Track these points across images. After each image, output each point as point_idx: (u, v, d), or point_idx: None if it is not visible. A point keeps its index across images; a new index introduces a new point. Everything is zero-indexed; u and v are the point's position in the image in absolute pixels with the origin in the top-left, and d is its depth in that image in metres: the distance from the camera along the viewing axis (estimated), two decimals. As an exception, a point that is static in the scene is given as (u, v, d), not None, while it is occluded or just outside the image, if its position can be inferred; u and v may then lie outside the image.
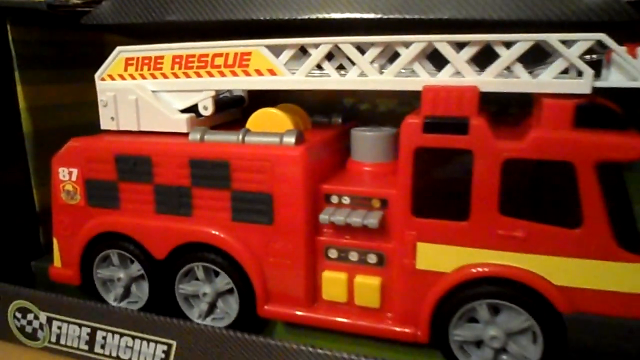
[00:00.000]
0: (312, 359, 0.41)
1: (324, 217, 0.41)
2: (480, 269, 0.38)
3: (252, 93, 0.56)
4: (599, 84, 0.38)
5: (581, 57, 0.38)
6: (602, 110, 0.36)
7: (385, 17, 0.42)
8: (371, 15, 0.42)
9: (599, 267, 0.35)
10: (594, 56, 0.40)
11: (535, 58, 0.41)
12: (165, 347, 0.45)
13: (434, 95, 0.38)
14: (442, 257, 0.39)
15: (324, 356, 0.41)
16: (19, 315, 0.50)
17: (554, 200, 0.36)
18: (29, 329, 0.50)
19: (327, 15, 0.43)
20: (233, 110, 0.54)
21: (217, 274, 0.46)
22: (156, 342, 0.45)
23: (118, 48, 0.49)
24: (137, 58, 0.48)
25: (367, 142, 0.46)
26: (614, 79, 0.38)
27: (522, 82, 0.39)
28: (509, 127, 0.40)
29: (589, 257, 0.35)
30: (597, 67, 0.39)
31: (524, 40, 0.38)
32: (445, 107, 0.38)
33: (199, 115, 0.48)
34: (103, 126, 0.50)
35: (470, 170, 0.37)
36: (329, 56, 0.44)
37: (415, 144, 0.38)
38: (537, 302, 0.37)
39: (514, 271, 0.37)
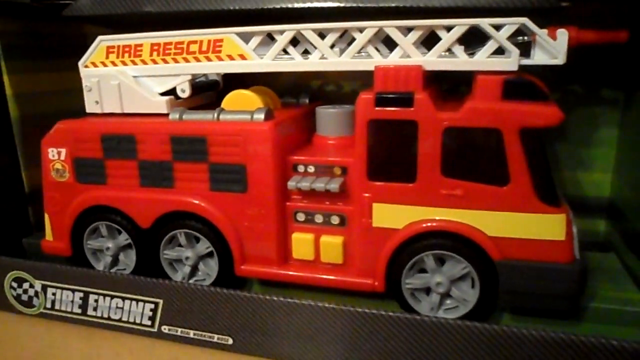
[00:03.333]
0: (285, 308, 0.47)
1: (291, 184, 0.47)
2: (426, 225, 0.44)
3: (226, 77, 0.60)
4: (527, 62, 0.44)
5: (513, 39, 0.44)
6: (526, 84, 0.42)
7: (342, 5, 0.47)
8: (330, 4, 0.47)
9: (524, 219, 0.42)
10: (525, 38, 0.46)
11: (482, 41, 0.47)
12: (152, 306, 0.50)
13: (384, 74, 0.44)
14: (394, 216, 0.44)
15: (295, 305, 0.46)
16: (14, 285, 0.55)
17: (485, 162, 0.42)
18: (24, 297, 0.54)
19: (290, 5, 0.48)
20: (209, 93, 0.59)
21: (197, 240, 0.51)
22: (144, 301, 0.50)
23: (99, 37, 0.53)
24: (118, 46, 0.53)
25: (329, 118, 0.51)
26: (538, 57, 0.44)
27: (461, 61, 0.44)
28: (453, 101, 0.46)
29: (515, 211, 0.42)
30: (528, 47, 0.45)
31: (460, 25, 0.44)
32: (394, 84, 0.44)
33: (177, 97, 0.53)
34: (88, 110, 0.54)
35: (416, 138, 0.43)
36: (295, 42, 0.49)
37: (369, 117, 0.43)
38: (474, 251, 0.43)
39: (454, 225, 0.43)
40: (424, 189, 0.43)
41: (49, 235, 0.56)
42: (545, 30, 0.43)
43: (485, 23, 0.43)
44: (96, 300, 0.52)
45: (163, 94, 0.53)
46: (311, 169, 0.48)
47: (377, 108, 0.43)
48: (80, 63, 0.54)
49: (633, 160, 0.51)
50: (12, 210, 0.62)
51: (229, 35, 0.49)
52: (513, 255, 0.42)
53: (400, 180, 0.44)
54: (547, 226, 0.41)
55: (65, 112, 0.56)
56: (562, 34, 0.43)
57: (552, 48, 0.43)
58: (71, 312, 0.53)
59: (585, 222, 0.59)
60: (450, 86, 0.56)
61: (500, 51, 0.44)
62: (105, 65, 0.53)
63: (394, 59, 0.46)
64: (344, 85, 0.63)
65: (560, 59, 0.43)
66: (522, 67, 0.43)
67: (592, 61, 0.55)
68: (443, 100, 0.46)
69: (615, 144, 0.56)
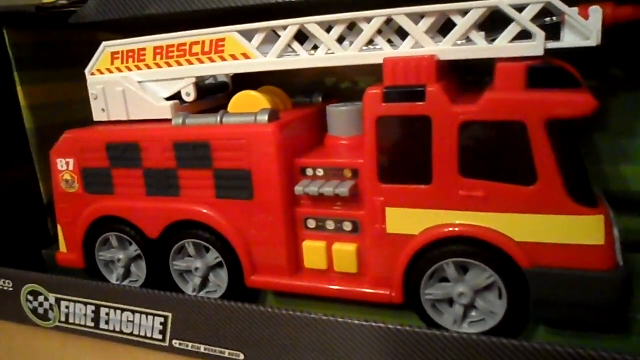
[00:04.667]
0: (297, 322, 0.44)
1: (299, 189, 0.44)
2: (445, 230, 0.40)
3: (237, 78, 0.58)
4: (554, 45, 0.39)
5: (539, 20, 0.39)
6: (553, 70, 0.37)
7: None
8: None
9: (555, 222, 0.37)
10: (553, 18, 0.41)
11: (504, 25, 0.43)
12: (162, 319, 0.48)
13: (393, 66, 0.40)
14: (409, 221, 0.41)
15: (308, 319, 0.44)
16: (30, 298, 0.54)
17: (509, 159, 0.37)
18: (40, 310, 0.54)
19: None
20: (219, 95, 0.57)
21: (207, 250, 0.49)
22: (154, 315, 0.48)
23: (104, 43, 0.52)
24: (122, 52, 0.51)
25: (340, 117, 0.48)
26: (568, 39, 0.39)
27: (479, 48, 0.40)
28: (472, 93, 0.42)
29: (545, 213, 0.37)
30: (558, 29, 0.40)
31: (477, 8, 0.39)
32: (405, 76, 0.40)
33: (183, 102, 0.51)
34: (95, 118, 0.53)
35: (430, 135, 0.39)
36: (303, 38, 0.46)
37: (377, 114, 0.40)
38: (500, 258, 0.39)
39: (476, 230, 0.39)
40: (441, 190, 0.39)
41: (62, 247, 0.55)
42: (575, 9, 0.39)
43: (505, 4, 0.39)
44: (107, 314, 0.50)
45: (170, 98, 0.51)
46: (320, 172, 0.45)
47: (386, 104, 0.40)
48: (86, 71, 0.53)
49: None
50: (32, 222, 0.62)
51: (231, 34, 0.47)
52: (544, 262, 0.38)
53: (415, 182, 0.40)
54: (582, 229, 0.37)
55: (81, 121, 0.55)
56: (596, 12, 0.38)
57: (583, 28, 0.38)
58: (85, 326, 0.52)
59: (633, 220, 0.53)
60: (476, 77, 0.51)
61: (524, 35, 0.40)
62: (111, 71, 0.52)
63: (406, 49, 0.42)
64: (360, 81, 0.60)
65: (593, 40, 0.38)
66: (551, 52, 0.39)
67: (634, 41, 0.49)
68: (465, 93, 0.42)
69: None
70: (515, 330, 0.41)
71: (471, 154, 0.38)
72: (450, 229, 0.39)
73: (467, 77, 0.49)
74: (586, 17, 0.38)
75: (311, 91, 0.57)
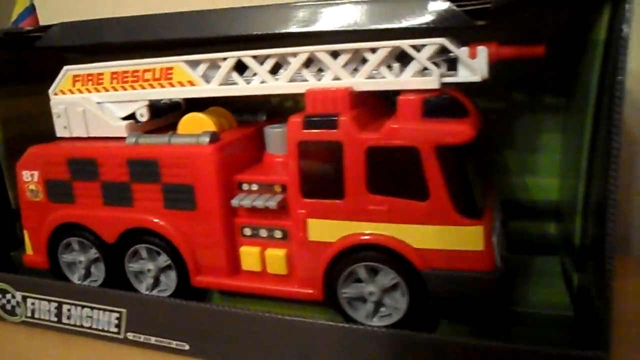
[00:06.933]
0: (235, 317, 0.51)
1: (234, 202, 0.50)
2: (356, 238, 0.46)
3: (189, 99, 0.64)
4: (450, 79, 0.46)
5: (444, 55, 0.46)
6: (444, 102, 0.44)
7: (273, 32, 0.50)
8: (264, 32, 0.50)
9: (444, 231, 0.44)
10: (451, 54, 0.48)
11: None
12: (118, 315, 0.54)
13: (313, 97, 0.47)
14: (327, 230, 0.47)
15: (245, 314, 0.50)
16: None
17: (406, 179, 0.44)
18: (8, 306, 0.60)
19: (232, 33, 0.51)
20: (172, 114, 0.62)
21: (158, 253, 0.55)
22: (110, 311, 0.55)
23: (65, 67, 0.57)
24: (83, 75, 0.57)
25: (275, 137, 0.54)
26: (461, 74, 0.46)
27: (387, 81, 0.47)
28: (384, 119, 0.48)
29: (436, 224, 0.44)
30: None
31: (384, 47, 0.46)
32: (323, 106, 0.46)
33: (138, 121, 0.57)
34: (58, 134, 0.58)
35: (342, 158, 0.45)
36: (242, 67, 0.52)
37: (298, 139, 0.46)
38: (401, 262, 0.46)
39: (381, 238, 0.46)
40: (352, 205, 0.46)
41: (29, 249, 0.61)
42: (465, 49, 0.45)
43: (406, 44, 0.45)
44: (69, 310, 0.56)
45: (126, 118, 0.57)
46: (255, 187, 0.51)
47: (305, 130, 0.46)
48: (50, 91, 0.59)
49: (570, 164, 0.53)
50: (0, 226, 0.67)
51: (178, 63, 0.53)
52: (437, 265, 0.45)
53: (331, 198, 0.47)
54: (465, 237, 0.44)
55: (46, 133, 0.60)
56: (482, 51, 0.45)
57: (472, 65, 0.45)
58: (48, 321, 0.58)
59: (537, 226, 0.60)
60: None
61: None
62: (72, 92, 0.58)
63: (327, 81, 0.48)
64: (300, 101, 0.66)
65: (479, 76, 0.45)
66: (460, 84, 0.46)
67: (535, 70, 0.56)
68: (379, 119, 0.48)
69: (559, 148, 0.58)
70: (417, 322, 0.48)
71: (376, 173, 0.45)
72: (361, 238, 0.46)
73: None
74: (475, 55, 0.46)
75: (257, 110, 0.63)
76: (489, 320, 0.47)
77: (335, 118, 0.45)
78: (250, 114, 0.62)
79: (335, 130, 0.45)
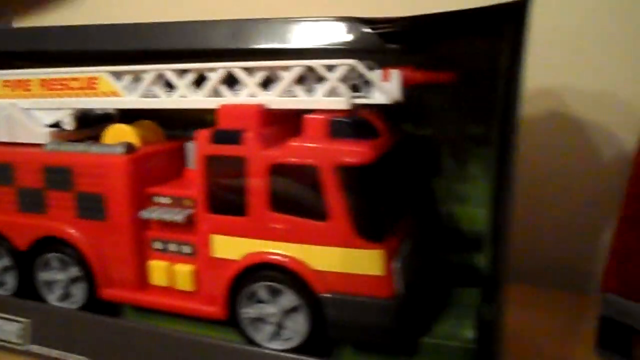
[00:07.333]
0: (140, 333, 0.49)
1: (144, 214, 0.49)
2: (258, 257, 0.45)
3: (125, 111, 0.64)
4: (364, 100, 0.46)
5: (359, 79, 0.46)
6: (353, 123, 0.44)
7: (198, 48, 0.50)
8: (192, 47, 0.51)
9: (344, 254, 0.43)
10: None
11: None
12: (22, 325, 0.53)
13: (225, 112, 0.47)
14: (230, 247, 0.46)
15: (151, 331, 0.49)
16: None
17: (307, 198, 0.44)
18: None
19: (156, 47, 0.51)
20: (103, 125, 0.62)
21: (70, 263, 0.54)
22: (15, 320, 0.53)
23: (-4, 72, 0.57)
24: (12, 80, 0.57)
25: (193, 152, 0.54)
26: (376, 97, 0.46)
27: (299, 100, 0.47)
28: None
29: (336, 245, 0.43)
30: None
31: (296, 66, 0.46)
32: (233, 122, 0.46)
33: (63, 130, 0.56)
34: (-15, 138, 0.58)
35: (246, 174, 0.45)
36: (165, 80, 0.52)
37: (206, 152, 0.46)
38: (301, 284, 0.44)
39: (282, 258, 0.45)
40: (255, 222, 0.45)
41: (-53, 255, 0.60)
42: (379, 72, 0.45)
43: (318, 64, 0.45)
44: (-24, 318, 0.55)
45: (53, 125, 0.57)
46: (167, 200, 0.50)
47: (213, 145, 0.46)
48: (-20, 95, 0.59)
49: (488, 194, 0.52)
50: None
51: (102, 74, 0.53)
52: (336, 288, 0.44)
53: (235, 214, 0.46)
54: (364, 261, 0.43)
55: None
56: (395, 74, 0.45)
57: (384, 88, 0.45)
58: (-42, 328, 0.56)
59: (463, 256, 0.59)
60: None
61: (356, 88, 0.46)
62: (0, 97, 0.58)
63: (243, 97, 0.48)
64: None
65: (390, 99, 0.45)
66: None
67: (463, 99, 0.56)
68: (278, 136, 0.47)
69: (485, 179, 0.57)
70: (318, 347, 0.46)
71: (278, 191, 0.44)
72: (262, 257, 0.45)
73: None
74: (388, 78, 0.45)
75: (190, 125, 0.63)
76: (392, 349, 0.46)
77: (240, 134, 0.45)
78: (183, 128, 0.62)
79: (239, 146, 0.45)
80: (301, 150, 0.43)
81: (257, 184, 0.45)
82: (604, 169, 0.69)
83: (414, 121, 0.56)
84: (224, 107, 0.47)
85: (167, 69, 0.50)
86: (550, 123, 0.70)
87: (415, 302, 0.46)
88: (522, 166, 0.40)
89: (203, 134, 0.46)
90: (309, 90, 0.47)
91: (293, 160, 0.43)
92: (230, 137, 0.45)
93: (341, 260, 0.43)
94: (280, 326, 0.47)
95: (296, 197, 0.44)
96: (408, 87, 0.46)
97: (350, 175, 0.42)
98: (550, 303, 0.65)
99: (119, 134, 0.55)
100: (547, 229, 0.73)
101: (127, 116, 0.61)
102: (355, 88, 0.46)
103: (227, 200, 0.46)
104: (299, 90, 0.47)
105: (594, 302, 0.55)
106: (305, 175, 0.43)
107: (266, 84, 0.48)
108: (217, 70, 0.49)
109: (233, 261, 0.46)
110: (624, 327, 0.51)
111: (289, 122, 0.48)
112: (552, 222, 0.73)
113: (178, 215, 0.48)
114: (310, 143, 0.43)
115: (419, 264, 0.49)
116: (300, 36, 0.47)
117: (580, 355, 0.53)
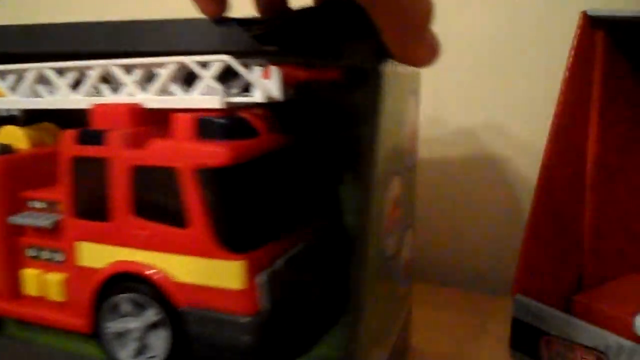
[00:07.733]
0: (13, 349, 0.46)
1: (12, 219, 0.46)
2: (118, 266, 0.42)
3: (33, 112, 0.61)
4: (244, 99, 0.43)
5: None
6: (226, 122, 0.41)
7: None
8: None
9: (204, 264, 0.40)
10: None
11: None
12: None
13: (97, 112, 0.44)
14: (94, 255, 0.43)
15: (23, 346, 0.46)
16: None
17: (167, 202, 0.40)
18: None
19: (44, 50, 0.49)
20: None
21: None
22: None
23: None
24: None
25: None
26: (256, 95, 0.43)
27: (175, 99, 0.44)
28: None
29: (196, 255, 0.40)
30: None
31: (170, 62, 0.43)
32: (105, 122, 0.44)
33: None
34: None
35: (108, 176, 0.42)
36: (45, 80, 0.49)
37: (70, 153, 0.43)
38: (162, 297, 0.41)
39: (142, 268, 0.41)
40: (118, 228, 0.42)
41: None
42: (259, 69, 0.43)
43: (191, 61, 0.43)
44: None
45: (-51, 126, 0.54)
46: (43, 205, 0.47)
47: (77, 145, 0.43)
48: None
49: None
50: None
51: (-13, 72, 0.51)
52: (197, 302, 0.40)
53: (98, 219, 0.43)
54: (225, 273, 0.39)
55: None
56: (275, 72, 0.43)
57: (265, 86, 0.42)
58: None
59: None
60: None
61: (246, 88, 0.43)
62: None
63: (122, 97, 0.46)
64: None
65: (263, 97, 0.42)
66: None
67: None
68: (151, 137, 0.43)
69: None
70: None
71: (141, 195, 0.41)
72: (123, 266, 0.42)
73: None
74: (268, 76, 0.43)
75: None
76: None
77: (102, 133, 0.42)
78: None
79: (102, 147, 0.42)
80: (162, 151, 0.40)
81: (120, 187, 0.42)
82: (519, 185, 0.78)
83: (315, 124, 0.53)
84: (96, 106, 0.44)
85: (47, 67, 0.48)
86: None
87: (288, 319, 0.42)
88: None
89: (69, 134, 0.43)
90: (188, 90, 0.44)
91: (153, 161, 0.40)
92: (94, 137, 0.42)
93: (200, 271, 0.40)
94: (144, 343, 0.43)
95: (158, 202, 0.41)
96: (293, 86, 0.43)
97: (210, 178, 0.39)
98: (466, 304, 0.70)
99: (11, 135, 0.52)
100: (467, 235, 0.82)
101: (37, 118, 0.59)
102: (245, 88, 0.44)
103: (91, 204, 0.43)
104: (177, 89, 0.44)
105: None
106: (166, 177, 0.40)
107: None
108: (94, 68, 0.46)
109: (97, 270, 0.43)
110: (532, 329, 0.54)
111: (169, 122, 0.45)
112: (471, 229, 0.81)
113: (45, 221, 0.45)
114: (172, 143, 0.40)
115: (300, 277, 0.45)
116: (176, 38, 0.44)
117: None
